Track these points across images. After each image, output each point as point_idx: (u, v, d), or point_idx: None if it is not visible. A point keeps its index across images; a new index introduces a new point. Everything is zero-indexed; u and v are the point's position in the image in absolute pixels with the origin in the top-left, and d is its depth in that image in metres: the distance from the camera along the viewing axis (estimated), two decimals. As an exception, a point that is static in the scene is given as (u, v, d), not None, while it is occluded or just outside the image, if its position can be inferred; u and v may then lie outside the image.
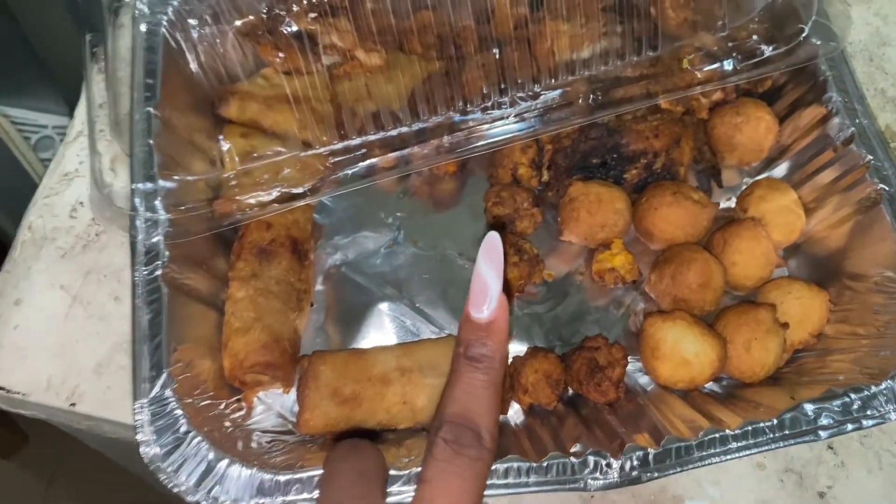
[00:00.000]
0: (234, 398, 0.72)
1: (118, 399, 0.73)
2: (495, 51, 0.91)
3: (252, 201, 0.79)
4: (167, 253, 0.69)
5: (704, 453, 0.65)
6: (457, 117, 0.86)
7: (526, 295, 0.79)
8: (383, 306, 0.78)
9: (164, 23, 0.79)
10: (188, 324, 0.70)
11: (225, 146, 0.82)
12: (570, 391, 0.75)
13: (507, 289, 0.78)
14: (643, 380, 0.76)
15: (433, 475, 0.43)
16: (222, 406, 0.69)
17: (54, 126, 1.47)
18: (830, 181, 0.81)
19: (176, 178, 0.74)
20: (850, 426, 0.67)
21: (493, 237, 0.46)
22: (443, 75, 0.87)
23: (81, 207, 0.84)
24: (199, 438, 0.63)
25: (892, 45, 1.01)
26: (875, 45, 1.01)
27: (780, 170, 0.87)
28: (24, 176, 1.35)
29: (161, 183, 0.73)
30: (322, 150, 0.83)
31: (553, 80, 0.85)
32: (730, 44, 0.80)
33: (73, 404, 0.75)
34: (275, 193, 0.80)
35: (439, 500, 0.43)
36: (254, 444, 0.67)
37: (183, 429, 0.63)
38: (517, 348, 0.76)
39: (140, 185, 0.71)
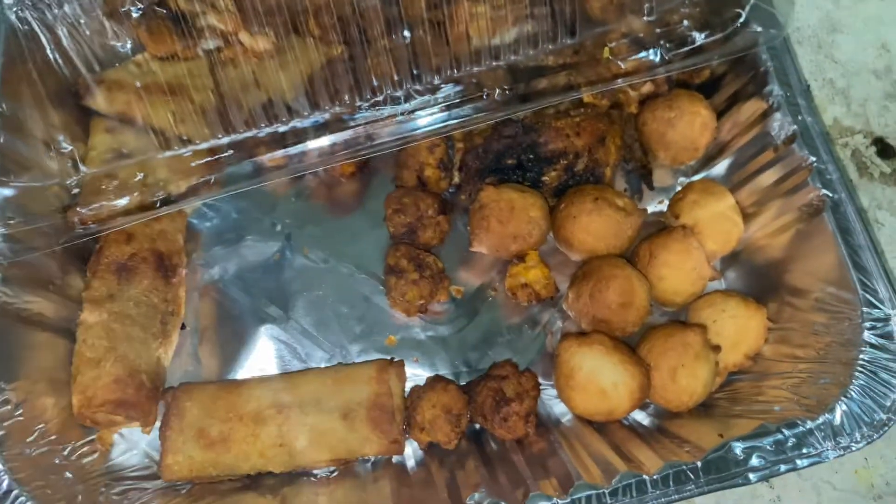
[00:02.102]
0: (87, 439, 0.62)
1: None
2: (405, 34, 0.81)
3: (115, 207, 0.69)
4: (-1, 274, 0.59)
5: (618, 501, 0.57)
6: (360, 111, 0.77)
7: (430, 315, 0.70)
8: (266, 329, 0.69)
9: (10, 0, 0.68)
10: (26, 356, 0.60)
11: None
12: (477, 424, 0.66)
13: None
14: (559, 408, 0.68)
15: None
16: (67, 451, 0.60)
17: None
18: (772, 183, 0.73)
19: (16, 184, 0.63)
20: (783, 467, 0.59)
21: None
22: (344, 62, 0.77)
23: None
24: (23, 498, 0.53)
25: (842, 31, 0.93)
26: (825, 32, 0.93)
27: (719, 169, 0.79)
28: None
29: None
30: (202, 145, 0.73)
31: (470, 69, 0.76)
32: (658, 30, 0.71)
33: None
34: (142, 198, 0.70)
35: None
36: (100, 498, 0.58)
37: (4, 486, 0.53)
38: (417, 376, 0.68)
39: (-37, 195, 0.61)
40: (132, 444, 0.65)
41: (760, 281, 0.74)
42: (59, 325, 0.64)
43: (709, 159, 0.80)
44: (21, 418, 0.57)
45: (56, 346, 0.63)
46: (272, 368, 0.67)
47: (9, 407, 0.56)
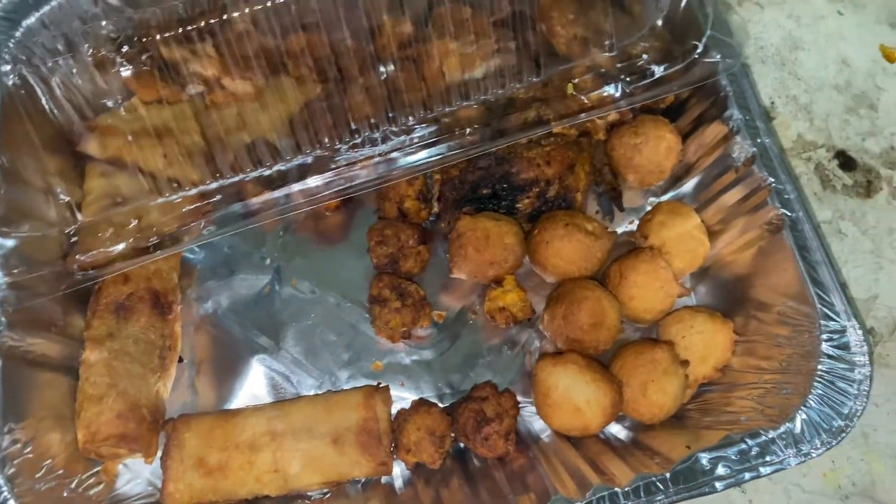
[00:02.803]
0: (93, 471, 0.66)
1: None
2: (381, 72, 0.85)
3: (112, 253, 0.72)
4: (3, 320, 0.63)
5: (593, 514, 0.61)
6: (339, 153, 0.80)
7: (414, 340, 0.74)
8: (258, 359, 0.73)
9: (7, 56, 0.72)
10: (33, 396, 0.64)
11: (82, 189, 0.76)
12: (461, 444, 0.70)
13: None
14: (538, 424, 0.72)
15: None
16: (74, 484, 0.64)
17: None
18: (735, 202, 0.77)
19: (18, 234, 0.67)
20: (747, 475, 0.63)
21: None
22: (323, 101, 0.81)
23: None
24: (35, 531, 0.57)
25: (804, 48, 0.97)
26: (787, 50, 0.97)
27: (687, 188, 0.83)
28: None
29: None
30: (192, 190, 0.77)
31: (443, 108, 0.80)
32: (620, 64, 0.75)
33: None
34: (137, 242, 0.73)
35: None
36: (107, 527, 0.62)
37: (17, 520, 0.57)
38: (404, 399, 0.71)
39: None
40: (136, 474, 0.69)
41: (728, 295, 0.78)
42: (62, 364, 0.68)
43: (676, 179, 0.84)
44: (30, 455, 0.61)
45: (60, 385, 0.67)
46: (266, 396, 0.71)
47: (18, 445, 0.60)
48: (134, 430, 0.64)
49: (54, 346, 0.67)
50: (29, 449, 0.61)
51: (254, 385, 0.71)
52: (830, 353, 0.67)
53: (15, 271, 0.65)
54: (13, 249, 0.66)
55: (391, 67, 0.82)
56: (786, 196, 0.73)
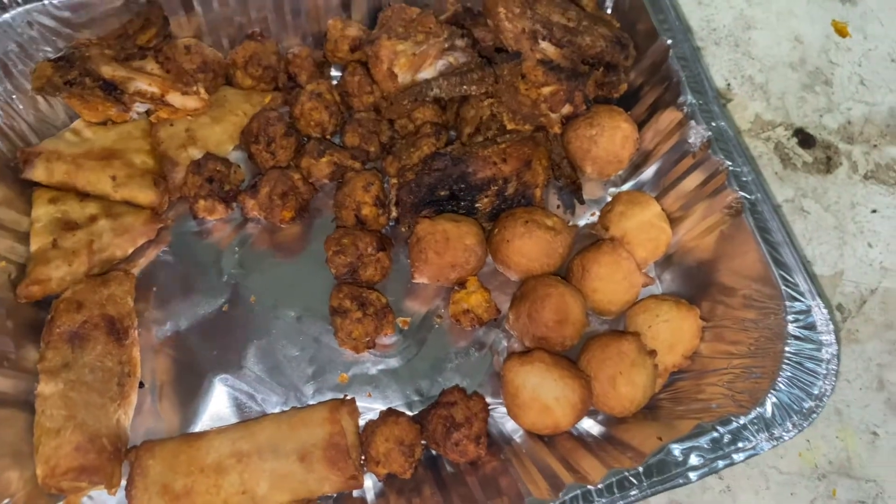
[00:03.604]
0: (55, 506, 0.64)
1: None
2: (332, 76, 0.84)
3: (64, 278, 0.71)
4: (-49, 358, 0.61)
5: (567, 514, 0.60)
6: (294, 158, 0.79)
7: (379, 349, 0.73)
8: (221, 379, 0.71)
9: (-60, 85, 0.70)
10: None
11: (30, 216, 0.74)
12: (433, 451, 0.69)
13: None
14: (510, 425, 0.71)
15: None
16: (36, 521, 0.62)
17: None
18: (695, 187, 0.77)
19: (-39, 266, 0.65)
20: (720, 463, 0.62)
21: None
22: (275, 109, 0.80)
23: None
24: (-4, 574, 0.56)
25: (757, 27, 0.97)
26: (740, 30, 0.97)
27: (646, 175, 0.82)
28: None
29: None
30: (143, 208, 0.75)
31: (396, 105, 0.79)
32: (573, 54, 0.74)
33: None
34: (90, 264, 0.72)
35: None
36: (71, 564, 0.60)
37: (-24, 565, 0.56)
38: (372, 410, 0.70)
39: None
40: (101, 505, 0.67)
41: (693, 282, 0.77)
42: (17, 398, 0.66)
43: (635, 168, 0.83)
44: (-15, 496, 0.59)
45: (17, 420, 0.65)
46: (231, 417, 0.69)
47: (-28, 486, 0.58)
48: (94, 461, 0.62)
49: (8, 381, 0.65)
50: (-15, 489, 0.59)
51: (218, 406, 0.70)
52: (797, 333, 0.66)
53: (-40, 307, 0.63)
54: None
55: (345, 71, 0.81)
56: (743, 178, 0.72)
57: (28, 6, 0.73)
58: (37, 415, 0.65)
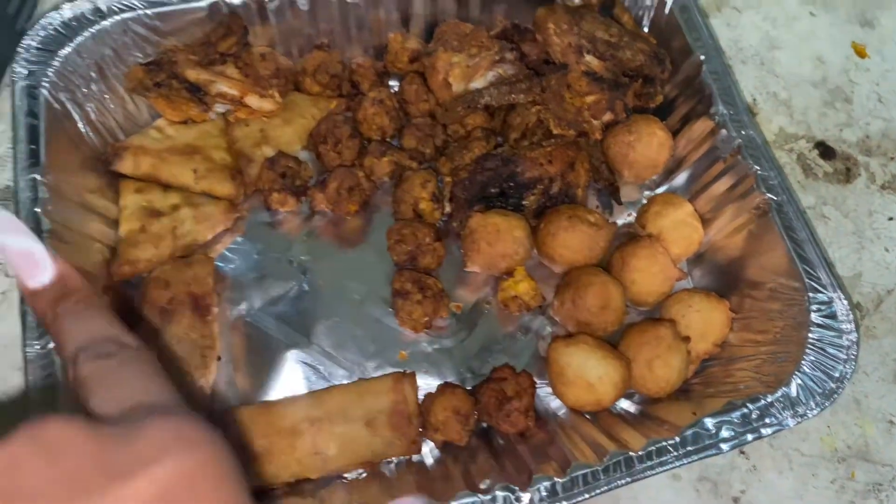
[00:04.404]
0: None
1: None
2: (393, 87, 0.91)
3: (151, 259, 0.78)
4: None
5: (610, 477, 0.66)
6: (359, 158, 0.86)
7: (434, 330, 0.79)
8: (292, 354, 0.78)
9: (46, 84, 0.77)
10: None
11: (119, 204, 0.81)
12: (484, 423, 0.75)
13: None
14: (555, 403, 0.77)
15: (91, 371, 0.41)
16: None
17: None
18: (725, 191, 0.83)
19: (65, 244, 0.73)
20: (749, 436, 0.68)
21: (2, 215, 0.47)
22: (339, 114, 0.87)
23: (-22, 276, 0.82)
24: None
25: (781, 48, 1.04)
26: (765, 49, 1.04)
27: (679, 181, 0.89)
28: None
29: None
30: (220, 199, 0.83)
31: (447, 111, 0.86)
32: (615, 67, 0.81)
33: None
34: (174, 248, 0.79)
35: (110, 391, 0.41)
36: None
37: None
38: (428, 385, 0.77)
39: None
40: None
41: (723, 277, 0.84)
42: (111, 365, 0.73)
43: (669, 173, 0.90)
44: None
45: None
46: (301, 388, 0.76)
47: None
48: (183, 422, 0.69)
49: (104, 349, 0.72)
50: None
51: (289, 378, 0.77)
52: (819, 322, 0.73)
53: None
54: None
55: (403, 80, 0.89)
56: (770, 182, 0.79)
57: (124, 15, 0.81)
58: (129, 380, 0.71)
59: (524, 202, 0.82)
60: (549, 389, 0.77)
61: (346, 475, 0.72)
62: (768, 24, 1.06)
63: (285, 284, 0.81)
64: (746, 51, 1.04)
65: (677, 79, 0.89)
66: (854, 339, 0.72)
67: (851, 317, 0.73)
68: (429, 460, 0.73)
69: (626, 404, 0.78)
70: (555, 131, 0.83)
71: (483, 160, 0.81)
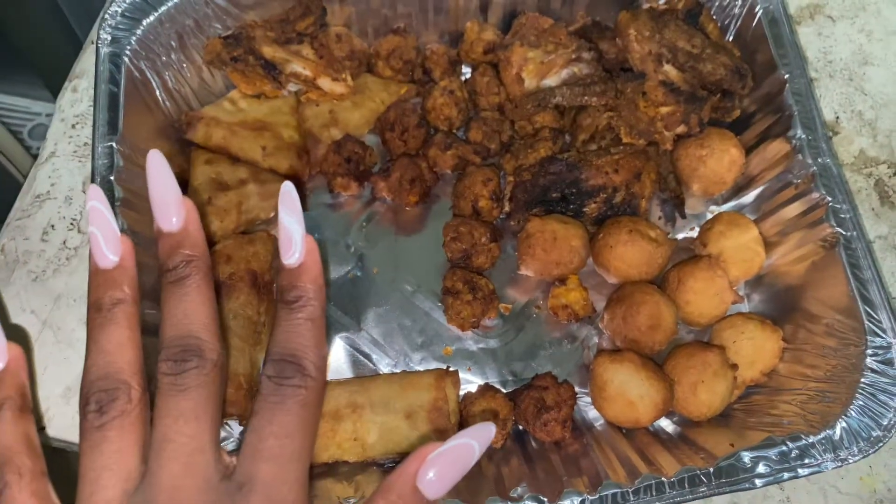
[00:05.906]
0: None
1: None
2: (465, 75, 0.91)
3: (216, 232, 0.80)
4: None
5: (640, 499, 0.67)
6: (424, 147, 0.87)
7: (481, 330, 0.80)
8: (342, 337, 0.80)
9: (128, 51, 0.79)
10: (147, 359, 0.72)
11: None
12: (520, 426, 0.77)
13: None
14: (592, 413, 0.78)
15: (259, 408, 0.44)
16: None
17: (48, 114, 1.48)
18: (794, 216, 0.81)
19: (135, 212, 0.75)
20: (786, 475, 0.68)
21: (288, 187, 0.47)
22: (408, 101, 0.87)
23: (52, 230, 0.86)
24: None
25: (874, 63, 0.99)
26: (856, 64, 0.99)
27: (748, 198, 0.87)
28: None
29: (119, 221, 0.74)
30: (286, 177, 0.84)
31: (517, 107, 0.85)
32: (691, 80, 0.79)
33: (42, 428, 0.78)
34: (238, 222, 0.81)
35: (266, 428, 0.43)
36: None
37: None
38: (470, 382, 0.78)
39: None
40: (229, 434, 0.77)
41: (780, 304, 0.82)
42: (170, 332, 0.76)
43: (738, 190, 0.88)
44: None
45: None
46: (347, 371, 0.78)
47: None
48: (232, 396, 0.72)
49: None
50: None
51: (337, 360, 0.79)
52: (874, 367, 0.71)
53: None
54: (128, 231, 0.73)
55: (475, 71, 0.88)
56: (842, 215, 0.76)
57: (207, -14, 0.82)
58: (186, 349, 0.75)
59: (585, 209, 0.82)
60: (589, 400, 0.78)
61: (382, 462, 0.74)
62: (863, 37, 1.01)
63: (341, 268, 0.83)
64: (835, 64, 0.99)
65: (758, 93, 0.86)
66: (908, 390, 0.70)
67: (909, 366, 0.71)
68: (463, 458, 0.75)
69: (664, 423, 0.78)
70: (625, 139, 0.81)
71: (548, 163, 0.80)
